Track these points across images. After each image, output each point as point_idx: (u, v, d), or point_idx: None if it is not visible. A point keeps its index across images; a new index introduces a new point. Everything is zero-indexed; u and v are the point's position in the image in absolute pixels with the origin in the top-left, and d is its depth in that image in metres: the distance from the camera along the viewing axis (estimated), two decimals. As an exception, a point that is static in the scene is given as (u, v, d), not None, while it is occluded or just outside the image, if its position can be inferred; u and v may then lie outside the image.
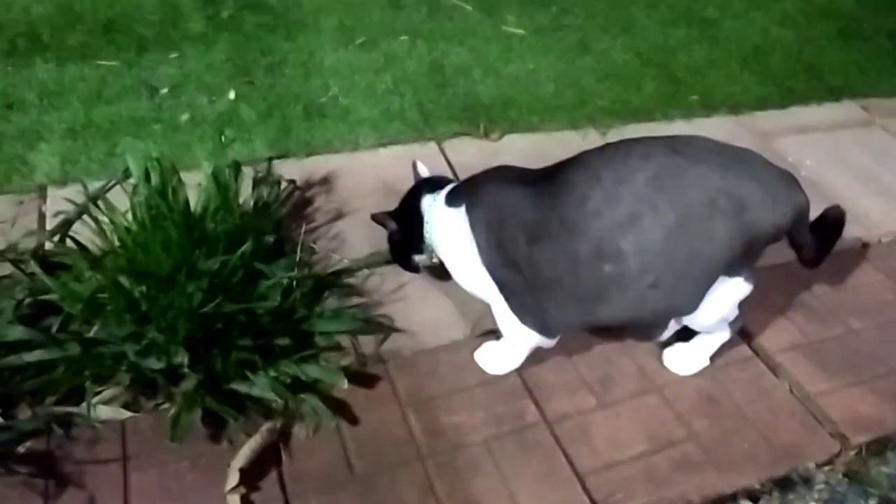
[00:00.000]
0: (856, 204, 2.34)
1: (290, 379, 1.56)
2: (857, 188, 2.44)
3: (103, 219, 1.71)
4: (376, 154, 2.32)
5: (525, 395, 1.68)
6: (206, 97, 2.45)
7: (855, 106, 2.90)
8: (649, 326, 1.70)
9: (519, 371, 1.72)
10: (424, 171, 1.82)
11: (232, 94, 2.47)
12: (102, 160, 2.15)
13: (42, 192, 2.03)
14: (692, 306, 1.56)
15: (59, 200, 1.89)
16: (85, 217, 1.74)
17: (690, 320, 1.62)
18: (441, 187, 1.73)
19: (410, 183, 1.81)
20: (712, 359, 1.77)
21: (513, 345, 1.67)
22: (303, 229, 1.94)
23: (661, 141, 1.54)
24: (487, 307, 1.65)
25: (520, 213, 1.53)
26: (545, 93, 2.68)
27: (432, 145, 2.38)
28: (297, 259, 1.76)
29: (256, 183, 1.98)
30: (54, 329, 1.54)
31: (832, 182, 2.44)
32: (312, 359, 1.62)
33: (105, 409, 1.52)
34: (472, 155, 2.31)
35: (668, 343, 1.78)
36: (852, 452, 1.66)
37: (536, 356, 1.73)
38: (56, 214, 1.82)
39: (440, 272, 1.79)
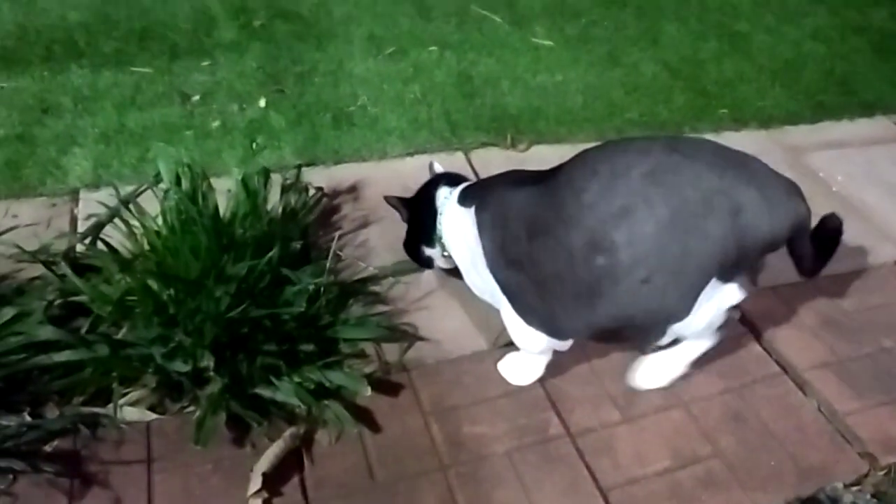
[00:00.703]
0: (888, 221, 2.30)
1: (313, 385, 1.57)
2: (889, 205, 2.40)
3: (134, 223, 1.74)
4: (403, 163, 2.33)
5: (548, 408, 1.67)
6: (236, 104, 2.48)
7: (888, 122, 2.86)
8: (645, 330, 1.63)
9: (542, 383, 1.71)
10: (440, 170, 1.86)
11: (262, 102, 2.50)
12: (134, 165, 2.18)
13: (75, 195, 2.07)
14: (684, 309, 1.52)
15: (92, 204, 1.92)
16: (116, 220, 1.77)
17: (681, 326, 1.57)
18: (457, 184, 1.76)
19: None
20: (737, 376, 1.74)
21: (522, 348, 1.67)
22: (330, 237, 1.95)
23: (661, 139, 1.54)
24: (511, 317, 1.65)
25: (522, 210, 1.55)
26: (573, 104, 2.67)
27: (459, 155, 2.39)
28: (325, 266, 1.77)
29: (285, 190, 1.99)
30: (83, 330, 1.57)
31: (864, 198, 2.40)
32: (336, 365, 1.63)
33: (131, 410, 1.53)
34: (498, 165, 2.30)
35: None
36: (881, 473, 1.63)
37: (560, 369, 1.73)
38: (88, 217, 1.86)
39: (455, 272, 1.79)
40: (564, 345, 1.63)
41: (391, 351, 1.73)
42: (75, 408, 1.52)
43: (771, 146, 2.62)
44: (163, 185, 1.82)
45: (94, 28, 2.79)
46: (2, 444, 1.44)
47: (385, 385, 1.66)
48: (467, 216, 1.64)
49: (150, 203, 1.79)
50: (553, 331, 1.59)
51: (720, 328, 1.64)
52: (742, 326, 1.88)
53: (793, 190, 1.52)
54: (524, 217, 1.54)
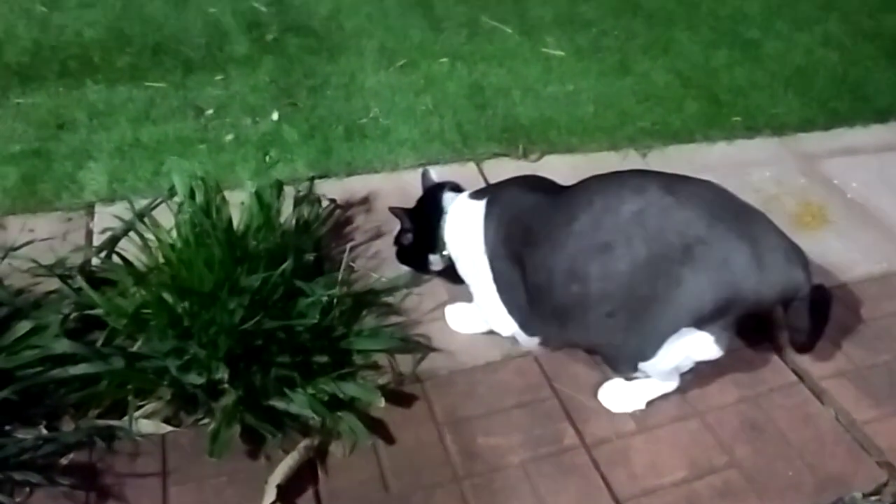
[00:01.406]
0: (904, 227, 2.29)
1: (327, 396, 1.57)
2: (906, 211, 2.38)
3: (149, 236, 1.75)
4: (416, 174, 2.30)
5: (563, 418, 1.66)
6: (250, 118, 2.50)
7: (903, 128, 2.85)
8: (613, 359, 1.66)
9: (556, 393, 1.70)
10: (435, 177, 1.88)
11: (275, 115, 2.51)
12: (149, 179, 2.20)
13: (90, 209, 2.09)
14: (647, 349, 1.53)
15: (107, 217, 1.94)
16: (131, 234, 1.78)
17: (646, 365, 1.58)
18: (461, 191, 1.80)
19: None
20: (753, 385, 1.73)
21: (492, 327, 1.73)
22: (343, 248, 1.95)
23: (661, 178, 1.54)
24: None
25: (526, 216, 1.60)
26: (585, 114, 2.67)
27: (471, 166, 2.39)
28: (338, 278, 1.77)
29: (298, 202, 2.00)
30: (99, 343, 1.58)
31: (879, 205, 2.38)
32: (350, 377, 1.63)
33: (146, 423, 1.54)
34: (510, 175, 2.30)
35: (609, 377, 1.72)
36: (901, 483, 1.61)
37: (574, 378, 1.72)
38: (103, 231, 1.87)
39: (454, 278, 1.81)
40: (532, 342, 1.69)
41: (405, 362, 1.73)
42: (91, 421, 1.53)
43: (784, 153, 2.61)
44: (177, 199, 1.83)
45: (108, 44, 2.82)
46: (18, 458, 1.45)
47: (399, 396, 1.66)
48: (478, 206, 1.68)
49: (165, 216, 1.81)
50: (528, 328, 1.66)
51: (686, 373, 1.63)
52: (758, 335, 1.86)
53: (794, 256, 1.50)
54: (525, 223, 1.59)
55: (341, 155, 2.37)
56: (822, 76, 3.05)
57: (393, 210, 1.83)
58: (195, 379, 1.53)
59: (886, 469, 1.61)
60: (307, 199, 2.04)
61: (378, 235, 2.07)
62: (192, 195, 1.80)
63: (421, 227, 1.80)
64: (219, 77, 2.69)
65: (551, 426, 1.64)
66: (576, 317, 1.55)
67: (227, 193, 1.85)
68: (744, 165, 2.50)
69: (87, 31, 2.88)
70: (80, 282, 1.67)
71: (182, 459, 1.51)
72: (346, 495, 1.48)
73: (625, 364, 1.64)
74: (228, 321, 1.57)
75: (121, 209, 1.94)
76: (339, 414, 1.56)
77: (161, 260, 1.71)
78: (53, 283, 1.73)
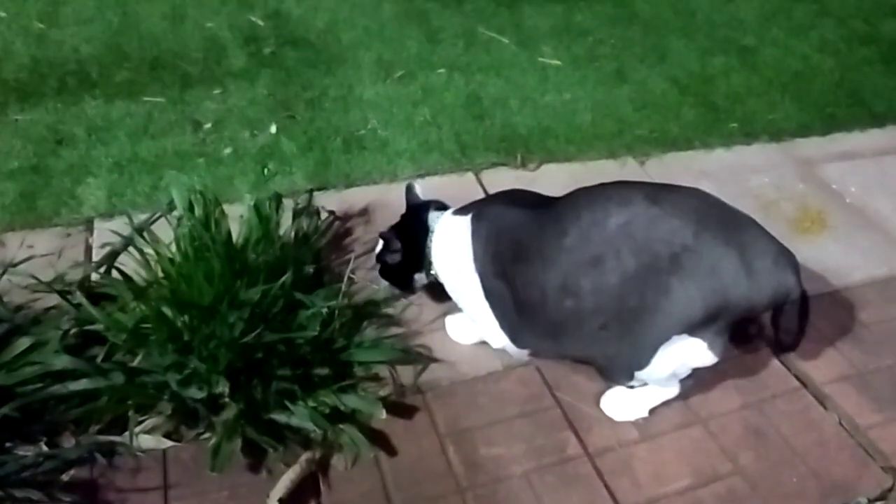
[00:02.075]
0: (904, 231, 2.29)
1: (328, 409, 1.56)
2: (905, 215, 2.38)
3: (148, 250, 1.75)
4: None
5: (565, 427, 1.65)
6: (248, 131, 2.50)
7: (900, 132, 2.85)
8: (609, 370, 1.67)
9: (558, 402, 1.70)
10: (420, 192, 1.85)
11: (273, 128, 2.52)
12: (148, 193, 2.20)
13: (89, 224, 2.08)
14: (641, 358, 1.53)
15: (106, 233, 1.94)
16: (130, 249, 1.78)
17: (642, 374, 1.58)
18: (446, 209, 1.78)
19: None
20: (756, 391, 1.72)
21: (484, 338, 1.73)
22: (343, 260, 1.95)
23: (647, 188, 1.55)
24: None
25: (513, 232, 1.60)
26: (582, 122, 2.68)
27: (470, 176, 2.39)
28: (338, 290, 1.77)
29: (297, 214, 2.00)
30: (99, 359, 1.58)
31: (878, 209, 2.39)
32: (351, 389, 1.63)
33: (147, 438, 1.53)
34: (509, 185, 2.27)
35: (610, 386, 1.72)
36: (906, 487, 1.60)
37: (576, 388, 1.72)
38: (102, 246, 1.87)
39: (440, 293, 1.80)
40: (522, 354, 1.70)
41: (406, 373, 1.73)
42: (91, 436, 1.52)
43: (783, 159, 2.61)
44: (176, 213, 1.83)
45: (106, 59, 2.82)
46: (19, 475, 1.44)
47: (400, 408, 1.65)
48: (463, 222, 1.67)
49: (164, 231, 1.80)
50: (519, 343, 1.67)
51: (686, 379, 1.63)
52: (760, 341, 1.86)
53: (783, 260, 1.50)
54: (513, 239, 1.59)
55: (340, 167, 2.37)
56: (819, 82, 3.06)
57: (383, 234, 1.80)
58: (196, 393, 1.53)
59: (891, 474, 1.61)
60: (306, 211, 2.04)
61: (377, 246, 2.07)
62: (190, 209, 1.80)
63: (407, 247, 1.78)
64: (217, 91, 2.70)
65: (554, 436, 1.63)
66: (570, 331, 1.56)
67: (225, 207, 1.84)
68: (742, 172, 2.50)
69: (84, 47, 2.89)
70: (79, 297, 1.66)
71: (183, 474, 1.50)
72: (348, 508, 1.47)
73: (620, 374, 1.63)
74: (228, 335, 1.57)
75: (120, 224, 1.94)
76: (341, 426, 1.56)
77: (160, 274, 1.71)
78: (53, 299, 1.72)
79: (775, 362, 1.83)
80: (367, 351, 1.72)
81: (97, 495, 1.46)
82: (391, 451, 1.57)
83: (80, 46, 2.89)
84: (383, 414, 1.56)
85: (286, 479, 1.46)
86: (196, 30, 3.07)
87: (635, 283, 1.46)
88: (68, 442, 1.52)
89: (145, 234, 1.79)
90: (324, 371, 1.63)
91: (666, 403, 1.68)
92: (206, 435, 1.55)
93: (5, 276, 1.76)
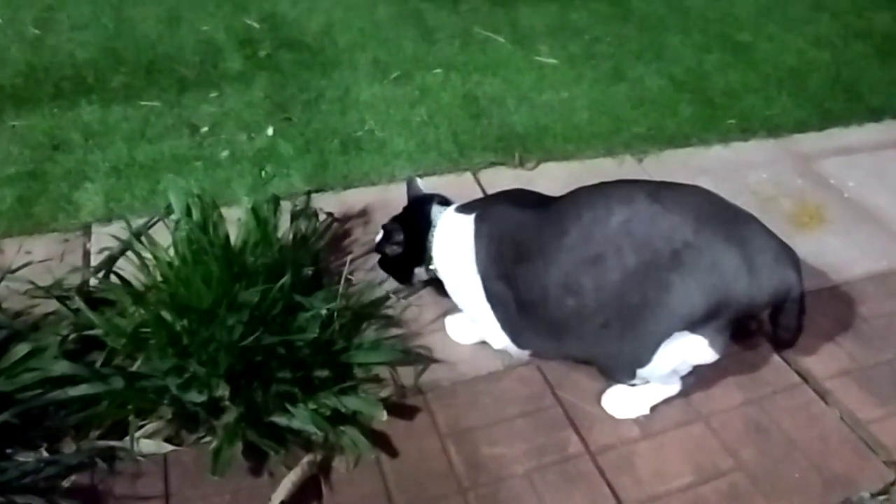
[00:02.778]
0: (902, 225, 2.29)
1: (329, 411, 1.56)
2: (903, 209, 2.38)
3: (146, 254, 1.74)
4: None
5: (567, 426, 1.65)
6: (245, 134, 2.50)
7: (897, 126, 2.85)
8: (610, 368, 1.66)
9: (559, 401, 1.69)
10: (422, 186, 1.86)
11: (270, 131, 2.51)
12: (145, 197, 2.19)
13: (87, 229, 2.08)
14: (643, 355, 1.53)
15: (104, 237, 1.94)
16: (128, 253, 1.77)
17: (643, 371, 1.58)
18: (448, 205, 1.78)
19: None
20: (756, 387, 1.72)
21: (485, 339, 1.73)
22: (342, 261, 1.95)
23: (647, 186, 1.55)
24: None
25: (515, 233, 1.59)
26: (580, 121, 2.68)
27: (468, 175, 2.39)
28: (338, 291, 1.77)
29: (295, 216, 2.00)
30: (98, 364, 1.57)
31: (877, 203, 2.38)
32: (352, 390, 1.62)
33: (148, 442, 1.53)
34: (507, 184, 2.27)
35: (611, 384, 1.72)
36: (908, 481, 1.60)
37: (576, 386, 1.72)
38: (100, 251, 1.87)
39: (439, 293, 1.80)
40: (524, 355, 1.71)
41: (406, 374, 1.72)
42: (92, 442, 1.52)
43: (780, 155, 2.61)
44: (174, 217, 1.82)
45: (102, 64, 2.82)
46: (20, 481, 1.44)
47: (401, 409, 1.65)
48: (466, 222, 1.66)
49: (162, 235, 1.80)
50: (521, 344, 1.67)
51: (687, 377, 1.63)
52: (760, 337, 1.85)
53: (784, 257, 1.50)
54: (515, 240, 1.59)
55: (337, 168, 2.37)
56: (815, 77, 3.06)
57: (386, 226, 1.81)
58: (196, 397, 1.52)
59: (893, 468, 1.61)
60: (304, 213, 2.04)
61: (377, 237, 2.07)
62: (188, 213, 1.80)
63: (408, 239, 1.78)
64: (213, 94, 2.69)
65: (555, 434, 1.63)
66: (572, 330, 1.56)
67: (223, 210, 1.84)
68: (740, 168, 2.50)
69: (80, 52, 2.89)
70: (78, 303, 1.66)
71: (184, 479, 1.50)
72: (350, 510, 1.47)
73: (622, 372, 1.63)
74: (228, 338, 1.56)
75: (117, 229, 1.94)
76: (342, 428, 1.55)
77: (159, 278, 1.71)
78: (52, 305, 1.72)
79: (776, 358, 1.83)
80: (367, 352, 1.71)
81: (98, 501, 1.46)
82: (392, 453, 1.57)
83: (75, 51, 2.89)
84: (384, 415, 1.56)
85: (288, 482, 1.46)
86: (191, 33, 3.07)
87: (636, 280, 1.46)
88: (69, 448, 1.51)
89: (143, 238, 1.78)
90: (324, 373, 1.63)
91: (667, 401, 1.68)
92: (207, 439, 1.55)
93: (4, 283, 1.76)
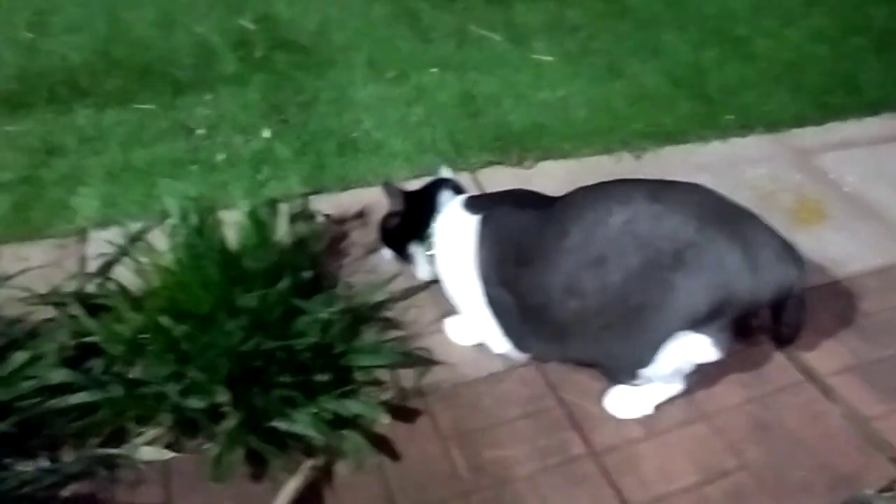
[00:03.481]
0: (902, 219, 2.28)
1: (330, 415, 1.55)
2: (903, 203, 2.37)
3: (143, 260, 1.73)
4: (410, 186, 2.31)
5: (569, 427, 1.64)
6: (241, 137, 2.48)
7: (895, 120, 2.84)
8: (613, 369, 1.65)
9: (561, 402, 1.68)
10: (448, 175, 1.87)
11: (266, 133, 2.50)
12: (141, 202, 2.18)
13: (83, 235, 2.07)
14: (645, 356, 1.52)
15: (100, 243, 1.92)
16: (125, 258, 1.76)
17: (646, 371, 1.57)
18: (461, 192, 1.78)
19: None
20: (759, 385, 1.71)
21: (485, 343, 1.73)
22: (340, 264, 1.94)
23: (647, 185, 1.54)
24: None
25: (518, 236, 1.59)
26: (577, 118, 2.67)
27: (465, 175, 2.38)
28: (337, 294, 1.76)
29: (292, 219, 1.99)
30: (97, 371, 1.56)
31: (876, 198, 2.38)
32: (352, 394, 1.61)
33: (148, 450, 1.52)
34: (505, 184, 2.27)
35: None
36: (913, 478, 1.59)
37: (579, 386, 1.71)
38: (97, 257, 1.85)
39: (438, 294, 1.79)
40: (524, 357, 1.71)
41: (407, 376, 1.71)
42: (92, 450, 1.51)
43: (779, 150, 2.60)
44: (170, 221, 1.81)
45: (96, 67, 2.81)
46: (19, 490, 1.43)
47: (402, 412, 1.64)
48: (470, 223, 1.65)
49: (159, 239, 1.79)
50: (523, 348, 1.67)
51: (690, 375, 1.62)
52: (762, 334, 1.85)
53: (786, 253, 1.49)
54: (517, 243, 1.58)
55: (334, 170, 2.35)
56: (813, 71, 3.06)
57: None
58: (195, 403, 1.51)
59: (898, 465, 1.60)
60: (302, 215, 2.03)
61: (375, 249, 2.05)
62: (185, 217, 1.78)
63: (412, 213, 1.78)
64: (208, 97, 2.68)
65: (558, 436, 1.62)
66: (574, 332, 1.55)
67: (221, 213, 1.83)
68: (738, 163, 2.50)
69: (73, 55, 2.87)
70: (75, 309, 1.65)
71: (185, 486, 1.49)
72: (353, 515, 1.46)
73: (624, 373, 1.62)
74: (227, 343, 1.55)
75: (114, 234, 1.92)
76: (343, 432, 1.54)
77: (157, 284, 1.70)
78: (49, 312, 1.71)
79: (778, 355, 1.82)
80: (367, 355, 1.70)
81: (99, 509, 1.45)
82: (395, 456, 1.56)
83: (69, 55, 2.87)
84: (386, 418, 1.55)
85: (290, 488, 1.45)
86: (186, 35, 3.06)
87: (639, 280, 1.45)
88: (68, 456, 1.50)
89: (140, 243, 1.77)
90: (324, 377, 1.62)
91: (670, 400, 1.67)
92: (208, 445, 1.53)
93: (1, 290, 1.74)
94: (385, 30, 3.16)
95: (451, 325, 1.82)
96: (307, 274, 1.80)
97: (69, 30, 3.04)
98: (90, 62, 2.84)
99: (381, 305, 1.87)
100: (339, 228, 2.12)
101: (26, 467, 1.46)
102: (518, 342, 1.65)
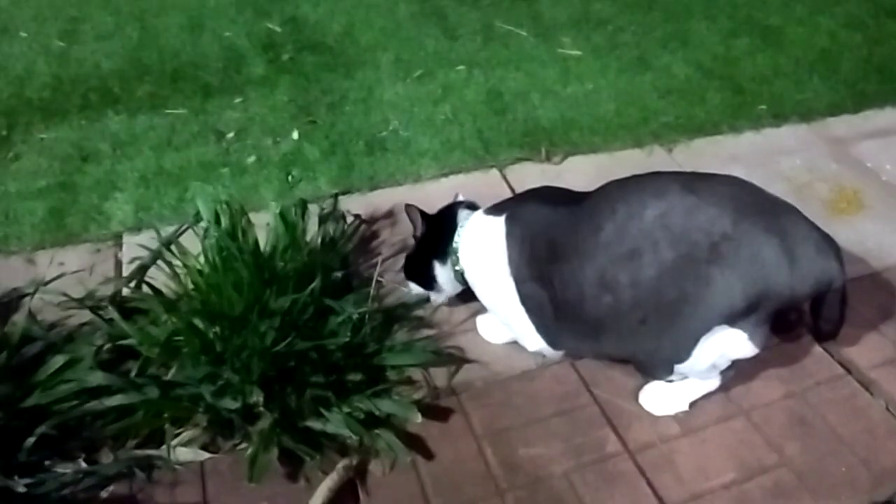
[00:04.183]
0: (944, 208, 2.22)
1: (363, 414, 1.55)
2: (944, 191, 2.31)
3: (177, 263, 1.75)
4: (438, 184, 2.31)
5: (604, 424, 1.62)
6: (270, 139, 2.50)
7: (934, 106, 2.77)
8: (649, 365, 1.63)
9: (595, 399, 1.67)
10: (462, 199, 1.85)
11: (295, 134, 2.51)
12: (174, 205, 2.20)
13: (118, 239, 2.09)
14: (681, 351, 1.50)
15: (134, 247, 1.95)
16: (159, 262, 1.78)
17: (682, 367, 1.55)
18: (476, 209, 1.76)
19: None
20: (799, 379, 1.68)
21: (518, 341, 1.71)
22: (371, 263, 1.94)
23: (682, 178, 1.52)
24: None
25: (548, 231, 1.56)
26: (606, 112, 2.64)
27: (494, 172, 2.37)
28: (368, 294, 1.76)
29: (322, 220, 2.00)
30: (133, 373, 1.58)
31: (916, 186, 2.32)
32: (385, 393, 1.62)
33: (184, 451, 1.53)
34: (534, 180, 2.28)
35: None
36: (959, 472, 1.55)
37: (612, 384, 1.69)
38: (132, 261, 1.87)
39: (468, 293, 1.77)
40: (558, 354, 1.69)
41: (439, 375, 1.71)
42: (129, 451, 1.53)
43: (814, 139, 2.55)
44: (202, 224, 1.83)
45: (127, 74, 2.84)
46: (59, 492, 1.45)
47: (435, 410, 1.63)
48: (496, 223, 1.64)
49: (192, 242, 1.81)
50: (557, 345, 1.65)
51: (726, 370, 1.59)
52: (801, 328, 1.81)
53: (825, 247, 1.46)
54: (549, 239, 1.56)
55: (363, 170, 2.36)
56: (847, 58, 2.99)
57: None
58: (230, 404, 1.53)
59: (944, 459, 1.56)
60: (332, 216, 2.04)
61: (404, 248, 2.05)
62: (217, 219, 1.80)
63: (433, 234, 1.77)
64: (238, 100, 2.70)
65: (592, 433, 1.61)
66: (609, 328, 1.53)
67: (251, 215, 1.85)
68: (773, 154, 2.45)
69: (105, 62, 2.91)
70: (111, 313, 1.67)
71: (222, 486, 1.50)
72: (388, 514, 1.46)
73: (660, 369, 1.60)
74: (260, 344, 1.56)
75: (147, 238, 1.94)
76: (377, 432, 1.54)
77: (190, 286, 1.71)
78: (85, 316, 1.74)
79: (817, 349, 1.79)
80: (399, 354, 1.70)
81: (137, 510, 1.46)
82: (428, 455, 1.56)
83: (100, 62, 2.91)
84: (418, 417, 1.55)
85: (324, 487, 1.45)
86: (214, 40, 3.08)
87: (674, 274, 1.42)
88: (106, 458, 1.52)
89: (173, 246, 1.79)
90: (357, 377, 1.62)
91: (706, 396, 1.64)
92: (243, 445, 1.54)
93: (38, 295, 1.78)
94: (411, 29, 3.16)
95: (482, 323, 1.81)
96: (338, 274, 1.81)
97: (100, 38, 3.08)
98: (121, 69, 2.88)
99: (412, 304, 1.87)
100: (368, 228, 2.12)
101: (66, 469, 1.48)
102: (552, 339, 1.64)
